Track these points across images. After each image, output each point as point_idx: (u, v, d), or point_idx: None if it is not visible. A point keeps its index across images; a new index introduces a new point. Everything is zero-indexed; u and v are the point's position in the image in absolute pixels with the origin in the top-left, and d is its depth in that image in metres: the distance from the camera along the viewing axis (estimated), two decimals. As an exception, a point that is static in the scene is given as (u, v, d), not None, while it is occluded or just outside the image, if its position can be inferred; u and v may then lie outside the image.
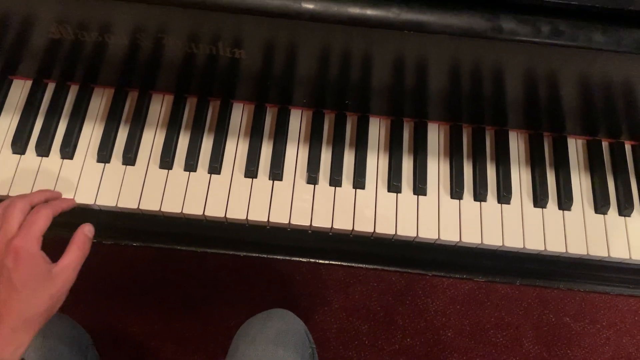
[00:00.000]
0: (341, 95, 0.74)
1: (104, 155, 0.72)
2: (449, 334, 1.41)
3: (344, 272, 1.45)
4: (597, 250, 0.71)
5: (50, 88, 0.76)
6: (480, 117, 0.76)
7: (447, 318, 1.43)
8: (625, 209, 0.73)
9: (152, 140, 0.74)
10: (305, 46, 0.65)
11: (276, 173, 0.72)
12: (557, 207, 0.73)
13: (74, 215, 0.68)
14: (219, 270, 1.42)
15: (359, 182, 0.73)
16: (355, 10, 0.56)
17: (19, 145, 0.72)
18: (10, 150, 0.72)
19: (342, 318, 1.41)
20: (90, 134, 0.74)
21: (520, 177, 0.75)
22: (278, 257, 0.75)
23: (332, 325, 1.40)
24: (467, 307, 1.44)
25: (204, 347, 1.35)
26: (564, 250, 0.71)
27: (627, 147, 0.77)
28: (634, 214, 0.74)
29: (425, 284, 1.45)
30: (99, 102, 0.76)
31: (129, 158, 0.72)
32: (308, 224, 0.71)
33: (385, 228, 0.71)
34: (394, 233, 0.71)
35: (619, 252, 0.71)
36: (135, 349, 1.31)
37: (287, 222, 0.71)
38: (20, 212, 0.58)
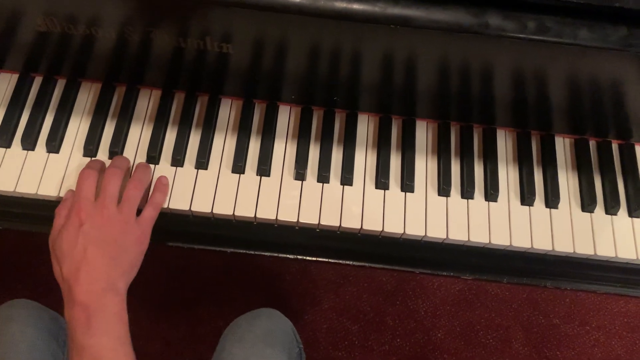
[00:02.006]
0: (329, 92, 0.74)
1: (90, 149, 0.72)
2: (439, 335, 1.41)
3: (334, 273, 1.45)
4: (584, 248, 0.71)
5: (37, 82, 0.75)
6: (468, 115, 0.76)
7: (437, 319, 1.43)
8: (611, 207, 0.73)
9: (139, 135, 0.74)
10: (293, 41, 0.65)
11: (264, 169, 0.72)
12: (544, 205, 0.73)
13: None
14: (206, 269, 1.42)
15: (346, 178, 0.73)
16: (341, 5, 0.56)
17: (4, 138, 0.71)
18: (-5, 144, 0.72)
19: (332, 318, 1.41)
20: (77, 128, 0.74)
21: (508, 175, 0.75)
22: (265, 253, 0.75)
23: (321, 326, 1.40)
24: (457, 308, 1.44)
25: (191, 347, 1.34)
26: (551, 248, 0.71)
27: (614, 146, 0.77)
28: (620, 212, 0.74)
29: (416, 285, 1.45)
30: (86, 96, 0.75)
31: (115, 153, 0.72)
32: (295, 219, 0.71)
33: (372, 225, 0.71)
34: (381, 230, 0.71)
35: (605, 250, 0.71)
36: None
37: (274, 218, 0.71)
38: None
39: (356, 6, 0.56)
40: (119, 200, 0.66)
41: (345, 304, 1.42)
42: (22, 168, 0.70)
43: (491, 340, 1.41)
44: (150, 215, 0.68)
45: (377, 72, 0.69)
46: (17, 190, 0.69)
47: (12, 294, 0.99)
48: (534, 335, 1.43)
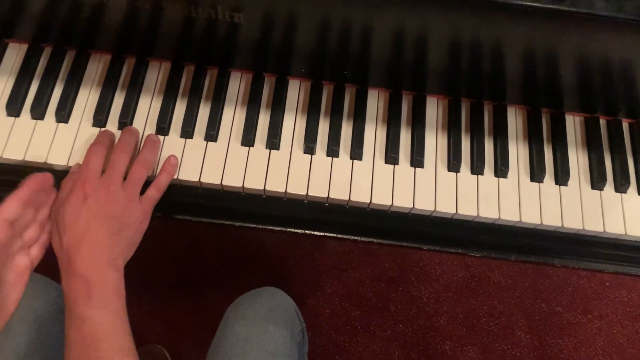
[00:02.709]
0: (340, 66, 0.74)
1: (100, 119, 0.72)
2: (442, 321, 1.41)
3: (338, 259, 1.45)
4: (593, 225, 0.71)
5: (47, 52, 0.75)
6: (478, 91, 0.76)
7: (439, 305, 1.43)
8: (621, 185, 0.73)
9: (148, 106, 0.73)
10: (304, 12, 0.65)
11: (273, 142, 0.72)
12: (554, 182, 0.73)
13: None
14: (209, 251, 1.41)
15: (356, 152, 0.72)
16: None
17: (13, 107, 0.71)
18: (4, 113, 0.71)
19: (335, 303, 1.41)
20: (87, 99, 0.73)
21: (518, 152, 0.75)
22: (273, 227, 0.75)
23: (324, 310, 1.40)
24: (459, 294, 1.44)
25: (192, 330, 1.34)
26: (560, 225, 0.71)
27: (625, 125, 0.77)
28: (630, 190, 0.74)
29: (419, 272, 1.45)
30: (95, 67, 0.75)
31: (125, 124, 0.72)
32: (304, 193, 0.71)
33: (381, 199, 0.71)
34: (390, 204, 0.71)
35: (615, 227, 0.71)
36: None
37: (283, 191, 0.70)
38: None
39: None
40: (125, 177, 0.66)
41: (348, 289, 1.42)
42: (31, 137, 0.70)
43: (493, 327, 1.42)
44: (153, 196, 0.68)
45: (387, 46, 0.69)
46: (26, 158, 0.69)
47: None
48: (536, 323, 1.43)
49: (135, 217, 0.65)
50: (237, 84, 0.76)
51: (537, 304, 1.45)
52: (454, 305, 1.43)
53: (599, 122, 0.77)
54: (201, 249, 1.41)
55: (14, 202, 0.59)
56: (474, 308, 1.43)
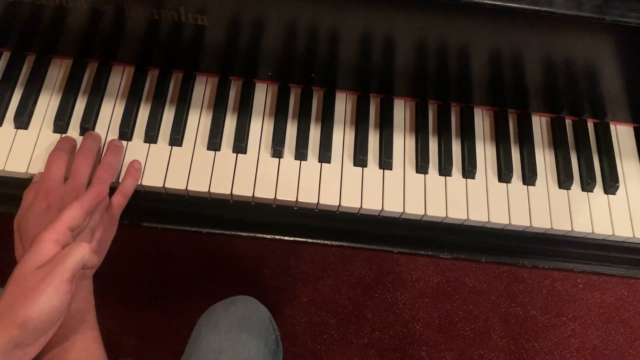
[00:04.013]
0: (307, 69, 0.74)
1: (60, 125, 0.70)
2: (418, 327, 1.41)
3: (313, 266, 1.44)
4: (561, 225, 0.71)
5: (5, 57, 0.73)
6: (445, 93, 0.76)
7: (415, 311, 1.42)
8: (587, 184, 0.74)
9: (111, 111, 0.72)
10: (269, 15, 0.64)
11: (240, 146, 0.71)
12: (521, 182, 0.74)
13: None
14: (179, 262, 1.39)
15: (324, 155, 0.72)
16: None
17: (-30, 114, 0.69)
18: (-40, 119, 0.69)
19: (311, 312, 1.39)
20: (47, 104, 0.71)
21: (485, 153, 0.75)
22: (242, 233, 0.74)
23: (300, 319, 1.38)
24: (435, 300, 1.44)
25: (165, 341, 1.31)
26: (529, 224, 0.71)
27: (590, 124, 0.78)
28: (596, 189, 0.74)
29: (394, 278, 1.44)
30: (56, 72, 0.73)
31: (87, 129, 0.70)
32: (272, 197, 0.70)
33: (350, 202, 0.70)
34: (359, 207, 0.70)
35: (582, 226, 0.72)
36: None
37: (250, 195, 0.69)
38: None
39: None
40: (89, 184, 0.64)
41: (324, 297, 1.41)
42: (-12, 144, 0.68)
43: (469, 332, 1.42)
44: (119, 202, 0.66)
45: (352, 49, 0.69)
46: (-18, 166, 0.67)
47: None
48: (511, 327, 1.43)
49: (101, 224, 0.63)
50: (202, 88, 0.75)
51: (512, 308, 1.45)
52: (430, 310, 1.43)
53: (565, 122, 0.77)
54: (172, 257, 1.39)
55: (78, 211, 0.56)
56: (449, 313, 1.43)
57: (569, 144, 0.76)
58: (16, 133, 0.69)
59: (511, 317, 1.44)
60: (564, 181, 0.73)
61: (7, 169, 0.67)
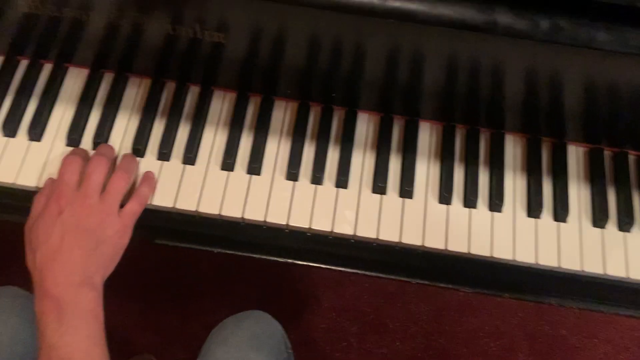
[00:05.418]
0: (328, 88, 0.70)
1: (74, 139, 0.69)
2: (441, 341, 1.37)
3: (336, 272, 1.41)
4: (593, 267, 0.66)
5: (23, 65, 0.72)
6: (475, 117, 0.71)
7: (439, 324, 1.39)
8: (625, 224, 0.68)
9: (125, 126, 0.70)
10: (288, 33, 0.61)
11: (255, 167, 0.68)
12: (552, 218, 0.69)
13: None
14: (199, 265, 1.39)
15: (341, 181, 0.69)
16: (337, -5, 0.52)
17: (-16, 124, 0.68)
18: (-25, 130, 0.69)
19: (331, 318, 1.37)
20: (62, 116, 0.70)
21: (515, 184, 0.70)
22: (253, 255, 0.71)
23: (320, 325, 1.36)
24: (460, 314, 1.39)
25: (182, 340, 1.32)
26: (557, 265, 0.66)
27: (631, 157, 0.72)
28: (635, 229, 0.69)
29: (418, 288, 1.41)
30: (72, 83, 0.72)
31: (99, 144, 0.68)
32: (285, 222, 0.67)
33: (367, 232, 0.67)
34: (375, 237, 0.67)
35: (616, 269, 0.67)
36: (114, 340, 1.27)
37: (262, 219, 0.67)
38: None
39: (353, -3, 0.52)
40: (103, 190, 0.62)
41: (345, 303, 1.38)
42: (1, 155, 0.67)
43: (495, 349, 1.37)
44: (133, 209, 0.64)
45: (377, 68, 0.65)
46: (-6, 178, 0.66)
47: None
48: (539, 346, 1.38)
49: (113, 230, 0.62)
50: (220, 104, 0.72)
51: (540, 326, 1.40)
52: (454, 324, 1.39)
53: (603, 153, 0.72)
54: (189, 263, 1.38)
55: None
56: (474, 328, 1.39)
57: (607, 178, 0.71)
58: (29, 145, 0.68)
59: (539, 336, 1.39)
60: (599, 219, 0.68)
61: (18, 182, 0.66)
